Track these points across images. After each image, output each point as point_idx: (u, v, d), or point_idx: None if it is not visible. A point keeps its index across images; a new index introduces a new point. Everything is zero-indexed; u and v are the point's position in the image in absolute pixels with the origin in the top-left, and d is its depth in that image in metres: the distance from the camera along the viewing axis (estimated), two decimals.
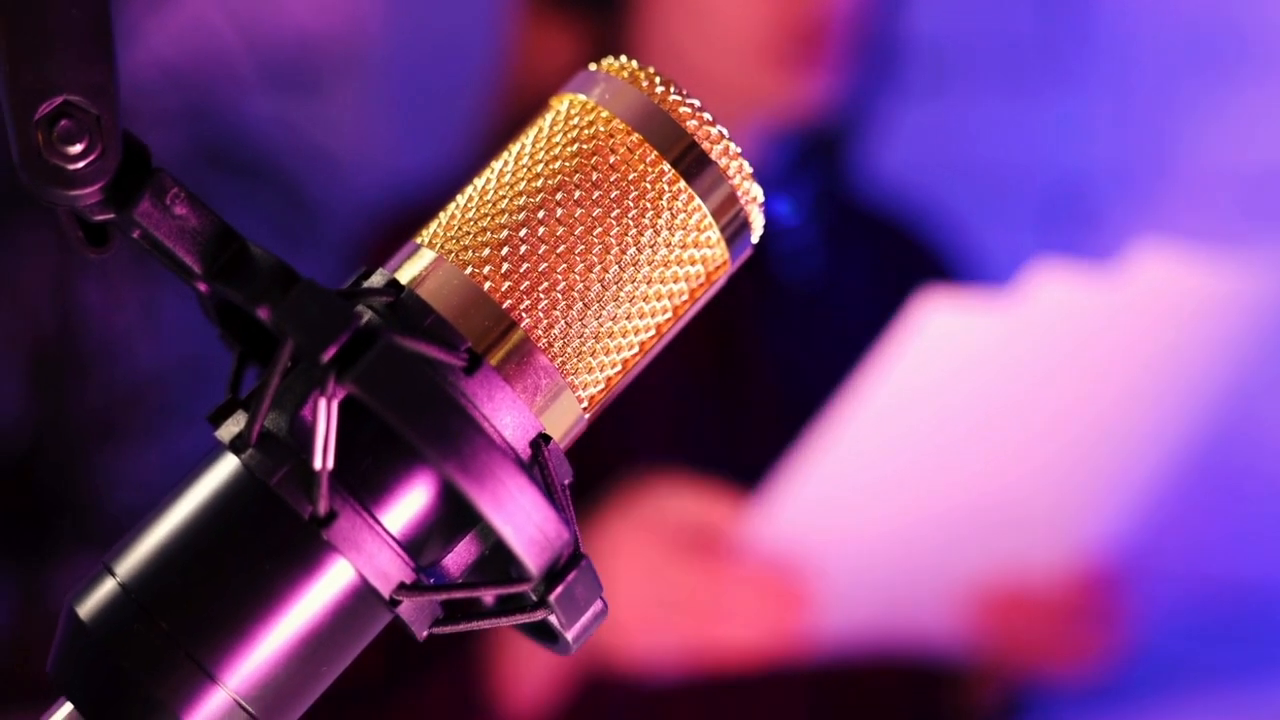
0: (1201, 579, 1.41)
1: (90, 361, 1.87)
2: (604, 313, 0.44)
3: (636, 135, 0.45)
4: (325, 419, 0.41)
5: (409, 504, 0.43)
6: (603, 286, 0.44)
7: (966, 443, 1.16)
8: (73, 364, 1.85)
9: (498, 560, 0.45)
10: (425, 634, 0.44)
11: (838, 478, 1.13)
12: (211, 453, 0.44)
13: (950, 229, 1.53)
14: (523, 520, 0.41)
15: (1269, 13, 1.72)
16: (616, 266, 0.44)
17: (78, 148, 0.42)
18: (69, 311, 1.85)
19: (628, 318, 0.45)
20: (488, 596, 0.45)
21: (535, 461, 0.43)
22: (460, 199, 0.46)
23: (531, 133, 0.46)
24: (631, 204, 0.45)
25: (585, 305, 0.44)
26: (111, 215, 0.43)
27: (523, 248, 0.44)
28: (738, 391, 1.34)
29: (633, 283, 0.45)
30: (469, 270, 0.44)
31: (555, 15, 1.36)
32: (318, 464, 0.41)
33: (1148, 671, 1.40)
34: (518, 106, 1.38)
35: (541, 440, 0.44)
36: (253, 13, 1.91)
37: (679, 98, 0.45)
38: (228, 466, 0.43)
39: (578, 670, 1.22)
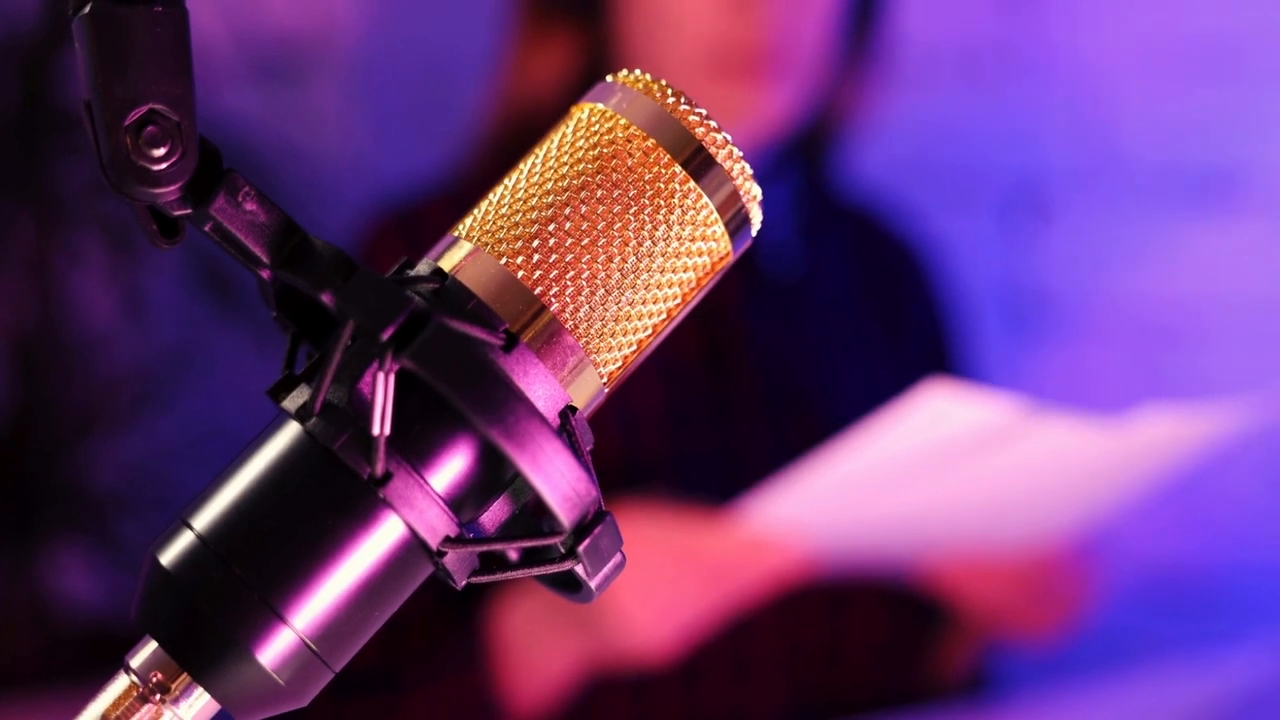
0: (1150, 561, 1.47)
1: (72, 349, 1.90)
2: (623, 298, 0.49)
3: (651, 140, 0.50)
4: (384, 391, 0.46)
5: (452, 467, 0.48)
6: (622, 274, 0.49)
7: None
8: (55, 351, 1.88)
9: (526, 519, 0.51)
10: (464, 583, 0.50)
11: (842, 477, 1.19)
12: (275, 421, 0.49)
13: (916, 221, 1.59)
14: (558, 479, 0.46)
15: (1215, 19, 1.78)
16: (634, 257, 0.50)
17: (161, 151, 0.47)
18: (51, 300, 1.88)
19: (643, 302, 0.50)
20: (516, 552, 0.50)
21: (564, 429, 0.49)
22: (493, 196, 0.51)
23: (556, 137, 0.51)
24: (647, 201, 0.50)
25: (606, 291, 0.49)
26: (188, 210, 0.48)
27: (551, 240, 0.49)
28: (722, 376, 1.40)
29: (648, 271, 0.50)
30: (504, 260, 0.49)
31: (542, 24, 1.41)
32: (376, 430, 0.46)
33: (1097, 643, 1.47)
34: (502, 110, 1.44)
35: (569, 410, 0.49)
36: (238, 6, 1.95)
37: (688, 107, 0.51)
38: (292, 433, 0.48)
39: (581, 670, 1.27)
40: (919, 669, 1.45)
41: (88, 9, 0.46)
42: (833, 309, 1.46)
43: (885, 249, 1.53)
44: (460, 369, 0.46)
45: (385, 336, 0.46)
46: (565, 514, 0.47)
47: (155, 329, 1.92)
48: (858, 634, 1.39)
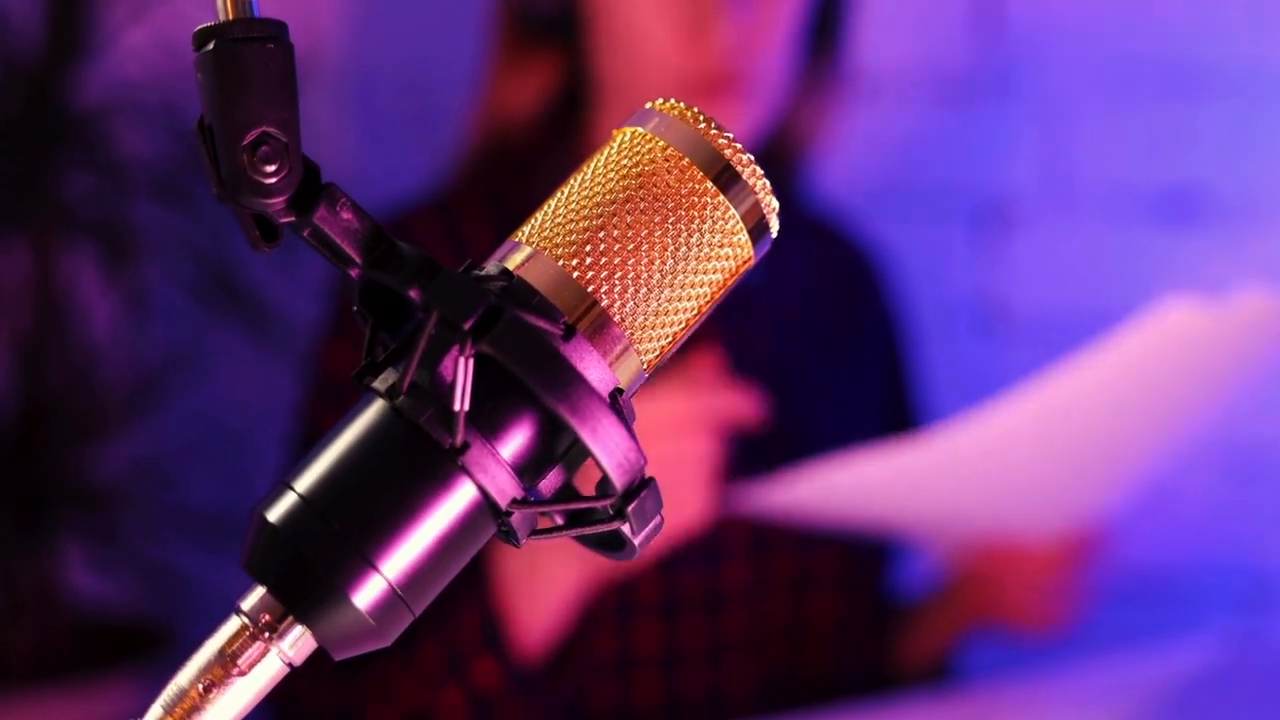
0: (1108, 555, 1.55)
1: (77, 350, 1.95)
2: (662, 295, 0.57)
3: (686, 159, 0.58)
4: (464, 373, 0.54)
5: (518, 439, 0.56)
6: (661, 275, 0.57)
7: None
8: (60, 353, 1.93)
9: (575, 488, 0.59)
10: (524, 540, 0.57)
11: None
12: (364, 400, 0.56)
13: (879, 234, 1.66)
14: (613, 448, 0.54)
15: (1174, 41, 1.86)
16: (671, 259, 0.58)
17: (272, 167, 0.54)
18: (56, 304, 1.93)
19: (679, 299, 0.58)
20: (563, 516, 0.58)
21: (614, 406, 0.56)
22: (548, 207, 0.59)
23: (601, 157, 0.59)
24: (683, 212, 0.58)
25: (648, 289, 0.57)
26: (292, 218, 0.56)
27: (601, 245, 0.57)
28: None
29: (683, 272, 0.58)
30: (560, 262, 0.57)
31: (521, 47, 1.49)
32: (457, 406, 0.54)
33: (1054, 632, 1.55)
34: (483, 127, 1.51)
35: (617, 391, 0.57)
36: None
37: (716, 131, 0.59)
38: (380, 409, 0.55)
39: (583, 593, 1.33)
40: (885, 653, 1.53)
41: (211, 46, 0.54)
42: (790, 317, 1.53)
43: (844, 259, 1.59)
44: (531, 354, 0.54)
45: (466, 326, 0.54)
46: (618, 478, 0.55)
47: (157, 331, 1.98)
48: (824, 617, 1.47)
